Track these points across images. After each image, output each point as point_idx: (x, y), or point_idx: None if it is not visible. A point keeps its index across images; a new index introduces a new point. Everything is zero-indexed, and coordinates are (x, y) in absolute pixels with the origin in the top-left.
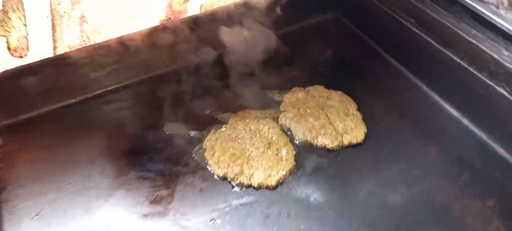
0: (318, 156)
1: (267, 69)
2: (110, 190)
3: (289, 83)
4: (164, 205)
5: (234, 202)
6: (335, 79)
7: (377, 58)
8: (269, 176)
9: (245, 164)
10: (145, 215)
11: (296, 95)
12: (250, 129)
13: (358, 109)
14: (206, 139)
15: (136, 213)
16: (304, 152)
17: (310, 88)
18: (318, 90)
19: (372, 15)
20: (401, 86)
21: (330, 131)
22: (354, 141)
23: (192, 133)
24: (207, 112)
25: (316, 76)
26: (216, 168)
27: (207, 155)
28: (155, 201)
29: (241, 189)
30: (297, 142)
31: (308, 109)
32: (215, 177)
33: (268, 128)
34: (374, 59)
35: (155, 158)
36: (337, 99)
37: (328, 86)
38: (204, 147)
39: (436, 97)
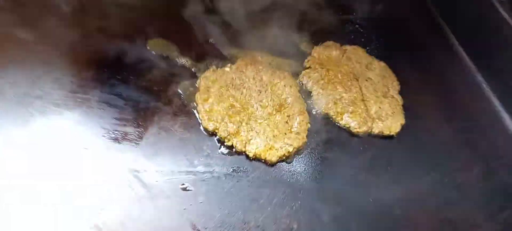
0: (336, 139)
1: (301, 8)
2: (61, 106)
3: (323, 34)
4: (126, 146)
5: (217, 170)
6: (380, 45)
7: (438, 34)
8: (270, 148)
9: (243, 124)
10: (97, 154)
11: (328, 51)
12: (261, 79)
13: (400, 93)
14: (202, 75)
15: (85, 147)
16: (322, 128)
17: (348, 48)
18: (357, 53)
19: None
20: (459, 79)
21: (360, 111)
22: (386, 132)
23: (185, 61)
24: (210, 40)
25: (357, 35)
26: (206, 118)
27: (198, 97)
28: (115, 139)
29: (230, 154)
30: (315, 113)
31: (339, 75)
32: (202, 128)
33: (284, 85)
34: (434, 34)
35: (130, 81)
36: (377, 72)
37: (370, 52)
38: (196, 85)
39: (500, 106)
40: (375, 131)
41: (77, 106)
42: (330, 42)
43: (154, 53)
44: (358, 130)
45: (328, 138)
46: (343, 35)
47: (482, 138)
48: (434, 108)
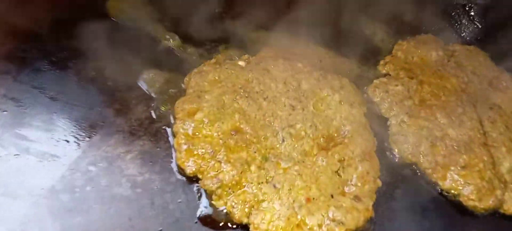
0: (433, 216)
1: None
2: None
3: (414, 24)
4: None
5: None
6: None
7: None
8: (298, 225)
9: (253, 168)
10: None
11: (424, 51)
12: (298, 87)
13: None
14: (195, 70)
15: None
16: (404, 190)
17: (459, 48)
18: (474, 59)
19: None
20: None
21: (481, 167)
22: None
23: (168, 41)
24: (216, 10)
25: (473, 29)
26: (183, 149)
27: (178, 107)
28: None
29: (217, 226)
30: (393, 159)
31: (442, 94)
32: (173, 166)
33: (340, 101)
34: None
35: (69, 67)
36: (511, 95)
37: (496, 58)
38: (183, 85)
39: None
40: (510, 209)
41: None
42: (428, 36)
43: (119, 24)
44: (476, 203)
45: (416, 211)
46: (449, 27)
47: None
48: None
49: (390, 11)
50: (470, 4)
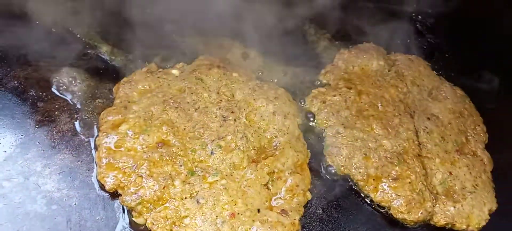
0: (364, 228)
1: None
2: None
3: (359, 32)
4: None
5: None
6: (456, 59)
7: None
8: None
9: (178, 182)
10: None
11: (364, 60)
12: (231, 97)
13: (488, 147)
14: (123, 80)
15: None
16: (334, 204)
17: (401, 57)
18: (415, 69)
19: None
20: None
21: (412, 178)
22: (461, 226)
23: (104, 50)
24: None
25: (417, 39)
26: (104, 162)
27: (102, 119)
28: None
29: None
30: (325, 173)
31: (380, 104)
32: (94, 181)
33: (273, 112)
34: None
35: None
36: (449, 105)
37: (438, 68)
38: (111, 95)
39: None
40: (440, 220)
41: None
42: (369, 45)
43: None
44: (406, 216)
45: (347, 223)
46: (393, 36)
47: None
48: None
49: (334, 19)
50: (415, 14)
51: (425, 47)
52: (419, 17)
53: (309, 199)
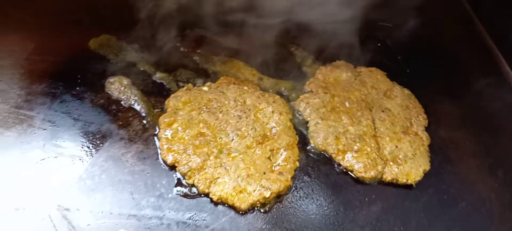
0: (334, 185)
1: (308, 17)
2: None
3: (335, 52)
4: (61, 176)
5: (169, 215)
6: (409, 69)
7: (486, 59)
8: (241, 191)
9: (212, 157)
10: (24, 183)
11: (337, 73)
12: (243, 103)
13: (428, 129)
14: (173, 95)
15: (12, 173)
16: (315, 169)
17: (364, 69)
18: (374, 77)
19: None
20: (510, 116)
21: (369, 150)
22: (402, 179)
23: (158, 76)
24: (183, 50)
25: (379, 55)
26: (165, 148)
27: (161, 121)
28: (50, 167)
29: (189, 196)
30: (309, 149)
31: (347, 102)
32: (160, 160)
33: (272, 111)
34: (480, 59)
35: (85, 97)
36: (399, 101)
37: (393, 76)
38: (165, 106)
39: None
40: (388, 177)
41: (17, 124)
42: (341, 62)
43: (119, 65)
44: (363, 174)
45: (322, 182)
46: (361, 54)
47: None
48: (473, 153)
49: (316, 43)
50: (381, 37)
51: (385, 61)
52: (382, 37)
53: (297, 166)
